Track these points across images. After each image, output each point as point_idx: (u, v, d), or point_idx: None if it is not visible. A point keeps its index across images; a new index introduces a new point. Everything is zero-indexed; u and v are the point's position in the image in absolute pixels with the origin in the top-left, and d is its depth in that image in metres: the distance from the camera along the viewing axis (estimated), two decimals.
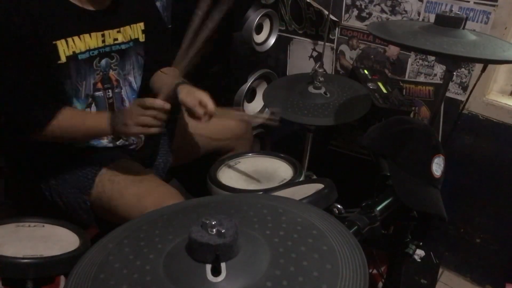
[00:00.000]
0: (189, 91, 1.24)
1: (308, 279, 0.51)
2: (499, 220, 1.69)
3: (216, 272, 0.50)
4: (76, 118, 1.16)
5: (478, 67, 1.50)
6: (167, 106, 1.07)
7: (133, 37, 1.31)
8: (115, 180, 1.18)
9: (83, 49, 1.17)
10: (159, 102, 1.06)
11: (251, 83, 1.79)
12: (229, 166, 1.36)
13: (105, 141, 1.30)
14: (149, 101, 1.06)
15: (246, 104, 1.85)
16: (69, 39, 1.14)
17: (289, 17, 1.99)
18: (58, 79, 1.15)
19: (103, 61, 1.25)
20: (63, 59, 1.13)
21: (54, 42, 1.11)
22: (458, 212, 1.77)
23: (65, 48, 1.13)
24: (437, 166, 0.96)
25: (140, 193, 1.15)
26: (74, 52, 1.15)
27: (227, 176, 1.31)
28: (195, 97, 1.21)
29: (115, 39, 1.26)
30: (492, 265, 1.77)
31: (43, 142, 1.18)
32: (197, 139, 1.50)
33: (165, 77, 1.40)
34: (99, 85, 1.26)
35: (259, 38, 1.78)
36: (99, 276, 0.54)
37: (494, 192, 1.66)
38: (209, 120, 1.22)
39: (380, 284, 1.55)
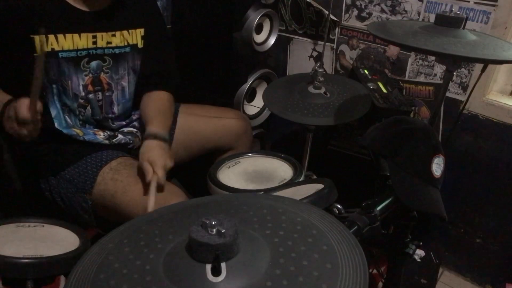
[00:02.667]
0: (146, 151, 1.18)
1: (308, 278, 0.51)
2: (499, 220, 1.69)
3: (216, 272, 0.50)
4: None
5: (478, 67, 1.50)
6: (27, 116, 0.99)
7: (130, 42, 1.29)
8: (118, 178, 1.18)
9: (66, 48, 1.17)
10: (22, 114, 0.99)
11: (251, 83, 1.79)
12: (229, 166, 1.36)
13: (100, 138, 1.30)
14: (16, 111, 1.00)
15: (246, 104, 1.85)
16: (51, 36, 1.14)
17: (289, 17, 1.99)
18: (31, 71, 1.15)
19: (94, 63, 1.24)
20: (38, 53, 1.12)
21: (31, 36, 1.11)
22: (458, 212, 1.77)
23: (43, 43, 1.13)
24: (437, 166, 0.96)
25: (144, 191, 1.15)
26: (53, 49, 1.15)
27: (227, 176, 1.31)
28: (148, 159, 1.15)
29: (109, 42, 1.24)
30: (492, 265, 1.77)
31: (43, 142, 1.18)
32: (197, 138, 1.50)
33: (151, 109, 1.33)
34: (90, 87, 1.25)
35: (259, 38, 1.78)
36: (99, 276, 0.54)
37: (494, 192, 1.66)
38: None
39: (380, 284, 1.55)
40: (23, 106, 0.99)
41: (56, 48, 1.16)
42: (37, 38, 1.12)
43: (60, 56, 1.17)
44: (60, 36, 1.15)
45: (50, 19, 1.14)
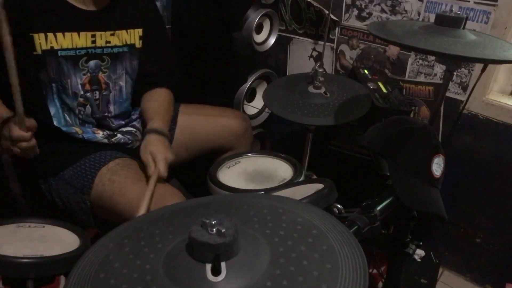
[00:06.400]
0: (147, 145, 1.22)
1: (308, 278, 0.51)
2: (499, 220, 1.69)
3: (216, 271, 0.50)
4: None
5: (478, 67, 1.50)
6: (18, 134, 1.03)
7: (128, 42, 1.30)
8: (116, 180, 1.18)
9: (65, 46, 1.18)
10: (16, 134, 1.03)
11: (251, 83, 1.79)
12: (229, 166, 1.36)
13: (99, 136, 1.30)
14: (10, 132, 1.03)
15: (246, 104, 1.85)
16: (50, 34, 1.15)
17: (289, 17, 1.99)
18: (34, 69, 1.16)
19: (92, 62, 1.24)
20: (38, 51, 1.14)
21: (31, 34, 1.12)
22: (458, 212, 1.77)
23: (43, 41, 1.14)
24: (437, 166, 0.96)
25: (141, 192, 1.15)
26: (52, 47, 1.16)
27: (227, 176, 1.31)
28: (151, 152, 1.20)
29: (108, 42, 1.25)
30: (492, 265, 1.77)
31: (43, 142, 1.18)
32: (197, 138, 1.50)
33: (152, 106, 1.36)
34: (87, 86, 1.26)
35: (259, 38, 1.78)
36: (99, 276, 0.54)
37: (494, 192, 1.66)
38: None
39: (380, 284, 1.55)
40: (15, 129, 1.02)
41: (56, 47, 1.16)
42: (36, 36, 1.12)
43: (59, 54, 1.17)
44: (59, 35, 1.16)
45: (50, 17, 1.14)
